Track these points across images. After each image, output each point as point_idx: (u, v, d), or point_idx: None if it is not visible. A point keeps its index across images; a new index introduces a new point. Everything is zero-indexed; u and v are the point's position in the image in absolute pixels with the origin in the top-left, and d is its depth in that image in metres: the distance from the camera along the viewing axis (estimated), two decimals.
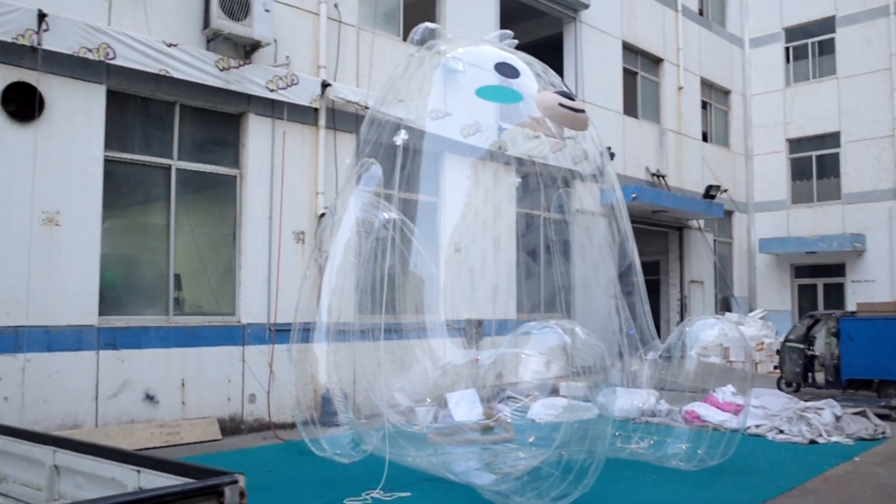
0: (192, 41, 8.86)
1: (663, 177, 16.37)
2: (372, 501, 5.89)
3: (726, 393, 10.01)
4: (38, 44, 7.54)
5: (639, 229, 16.56)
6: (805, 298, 19.03)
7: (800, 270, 19.28)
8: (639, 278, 8.25)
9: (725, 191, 17.90)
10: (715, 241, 18.66)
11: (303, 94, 9.76)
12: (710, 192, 16.60)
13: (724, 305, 18.74)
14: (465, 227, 12.43)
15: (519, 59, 7.36)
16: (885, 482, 6.67)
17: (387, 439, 6.20)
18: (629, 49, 16.12)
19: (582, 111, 7.00)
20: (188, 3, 8.83)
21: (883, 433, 8.91)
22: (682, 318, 17.12)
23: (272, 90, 9.43)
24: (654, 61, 17.02)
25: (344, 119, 10.32)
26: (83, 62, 7.92)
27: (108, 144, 8.29)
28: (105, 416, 8.01)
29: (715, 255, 18.28)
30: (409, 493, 6.11)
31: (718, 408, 9.65)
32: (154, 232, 8.81)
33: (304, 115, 9.89)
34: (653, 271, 18.01)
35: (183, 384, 8.61)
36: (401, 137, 6.84)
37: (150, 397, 8.37)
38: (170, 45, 8.48)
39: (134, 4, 8.41)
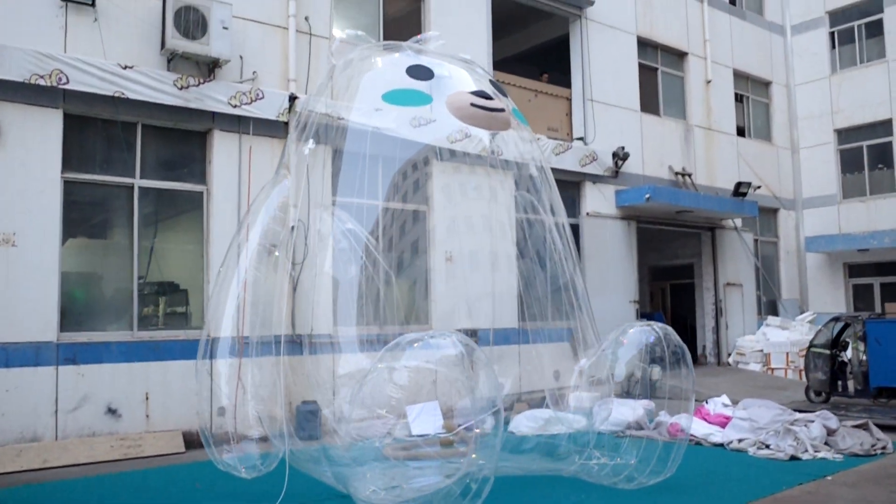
0: (152, 62, 9.06)
1: (688, 175, 15.60)
2: None
3: (717, 404, 9.37)
4: None
5: (665, 231, 15.89)
6: (862, 299, 17.69)
7: (854, 269, 17.94)
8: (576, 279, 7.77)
9: (758, 187, 16.88)
10: (757, 241, 17.61)
11: (269, 109, 9.81)
12: (740, 190, 15.68)
13: (771, 309, 17.66)
14: (456, 235, 12.21)
15: (445, 62, 7.12)
16: None
17: (287, 455, 6.09)
18: (646, 44, 15.47)
19: (500, 110, 6.68)
20: (145, 25, 9.05)
21: (883, 448, 8.11)
22: (717, 323, 16.26)
23: (235, 106, 9.53)
24: (678, 55, 16.27)
25: (328, 132, 10.30)
26: (37, 89, 8.22)
27: (68, 166, 8.57)
28: (65, 429, 8.24)
29: (756, 256, 17.26)
30: None
31: (706, 420, 9.04)
32: (117, 249, 9.03)
33: (272, 128, 9.94)
34: (686, 275, 17.20)
35: (147, 398, 8.76)
36: (308, 147, 6.75)
37: (112, 411, 8.56)
38: (125, 67, 8.71)
39: (90, 29, 8.68)
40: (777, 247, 18.35)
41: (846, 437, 8.22)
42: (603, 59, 14.42)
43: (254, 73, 9.87)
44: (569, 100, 14.22)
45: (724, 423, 8.81)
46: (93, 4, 8.61)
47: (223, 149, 9.60)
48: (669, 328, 6.77)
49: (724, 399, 9.59)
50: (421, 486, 5.97)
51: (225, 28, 9.24)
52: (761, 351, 15.72)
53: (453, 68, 7.03)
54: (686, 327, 17.41)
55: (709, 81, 16.59)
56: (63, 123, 8.51)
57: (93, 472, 7.70)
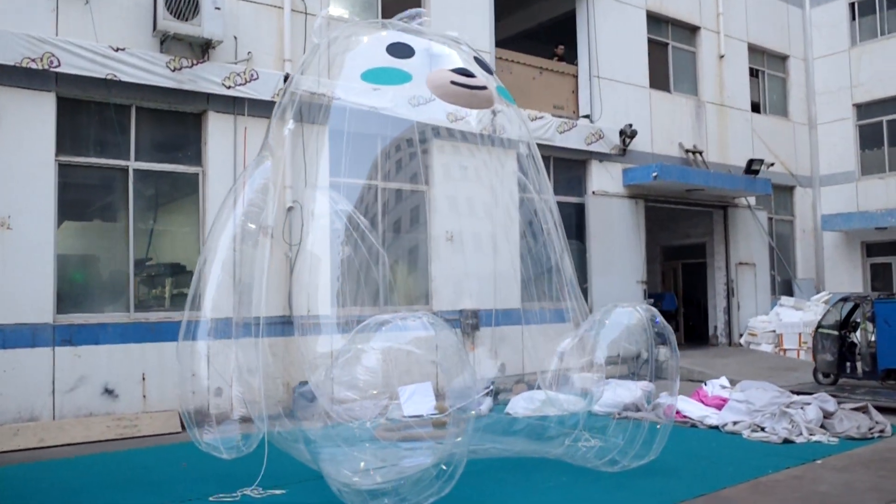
0: (144, 44, 9.06)
1: (699, 153, 15.32)
2: (241, 498, 5.84)
3: (715, 386, 9.26)
4: None
5: (676, 210, 15.65)
6: (880, 279, 17.32)
7: (872, 248, 17.55)
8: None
9: (772, 164, 16.52)
10: (771, 219, 17.29)
11: (263, 89, 9.78)
12: (752, 167, 15.36)
13: (785, 289, 17.37)
14: (457, 215, 12.13)
15: (428, 39, 7.01)
16: (823, 490, 5.92)
17: (265, 437, 6.13)
18: (656, 18, 15.14)
19: (482, 88, 6.56)
20: (137, 7, 9.03)
21: (881, 432, 7.95)
22: (728, 304, 16.03)
23: (229, 87, 9.51)
24: (689, 30, 15.91)
25: (312, 111, 10.26)
26: (29, 72, 8.26)
27: (62, 149, 8.63)
28: (63, 409, 8.37)
29: (770, 235, 16.95)
30: (284, 491, 6.01)
31: (703, 402, 8.93)
32: (113, 231, 9.10)
33: (268, 109, 9.84)
34: (698, 254, 16.96)
35: (143, 378, 8.86)
36: (288, 128, 6.72)
37: (108, 391, 8.68)
38: (117, 50, 8.71)
39: (81, 12, 8.68)
40: (793, 225, 18.00)
41: (843, 420, 8.07)
42: (611, 35, 14.14)
43: (248, 53, 9.83)
44: (575, 77, 14.00)
45: (720, 405, 8.70)
46: None
47: (218, 130, 9.60)
48: (654, 309, 6.64)
49: (723, 381, 9.47)
50: (399, 469, 5.99)
51: (217, 8, 9.20)
52: (773, 332, 15.49)
53: (436, 45, 6.92)
54: (699, 308, 17.22)
55: (722, 56, 16.22)
56: (56, 106, 8.56)
57: (88, 452, 7.83)
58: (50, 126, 8.47)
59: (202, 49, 9.40)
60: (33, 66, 8.21)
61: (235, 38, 9.75)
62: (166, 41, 9.16)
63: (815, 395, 8.38)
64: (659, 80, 15.09)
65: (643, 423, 7.17)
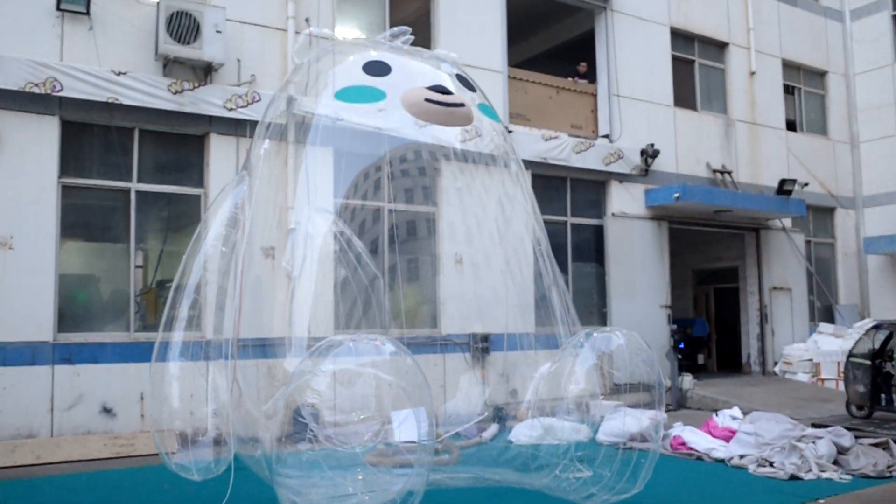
0: (148, 68, 9.22)
1: (728, 173, 14.82)
2: None
3: (725, 416, 8.81)
4: None
5: (708, 232, 15.16)
6: None
7: None
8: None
9: (806, 185, 15.86)
10: (810, 242, 16.58)
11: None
12: (784, 188, 14.76)
13: (826, 315, 16.58)
14: (466, 237, 11.95)
15: (408, 57, 6.93)
16: None
17: (233, 460, 6.05)
18: (681, 35, 14.79)
19: (458, 105, 6.42)
20: (140, 32, 9.21)
21: None
22: (761, 330, 15.37)
23: (231, 109, 9.60)
24: (717, 46, 15.49)
25: (306, 131, 10.28)
26: (33, 97, 8.48)
27: (65, 171, 8.82)
28: (61, 427, 8.46)
29: (808, 259, 16.24)
30: None
31: (711, 434, 8.50)
32: (115, 252, 9.23)
33: (270, 131, 9.94)
34: (730, 278, 16.35)
35: (142, 398, 8.90)
36: (263, 147, 6.72)
37: (107, 410, 8.74)
38: (119, 74, 8.89)
39: (85, 37, 8.90)
40: (834, 248, 17.23)
41: (860, 457, 7.55)
42: (632, 53, 13.86)
43: (252, 76, 9.92)
44: (594, 96, 13.75)
45: (729, 437, 8.26)
46: (87, 13, 8.82)
47: (221, 152, 9.68)
48: (635, 334, 6.31)
49: (735, 412, 9.00)
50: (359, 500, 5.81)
51: (218, 32, 9.32)
52: (811, 360, 14.77)
53: (415, 63, 6.83)
54: (734, 334, 16.55)
55: (753, 73, 15.73)
56: (60, 129, 8.76)
57: (84, 469, 7.89)
58: (53, 148, 8.67)
59: (205, 72, 9.52)
60: (36, 90, 8.43)
61: (239, 60, 9.85)
62: (169, 64, 9.32)
63: (829, 429, 7.87)
64: (684, 98, 14.70)
65: (634, 454, 6.82)
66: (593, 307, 13.22)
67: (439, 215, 11.54)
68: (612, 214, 13.32)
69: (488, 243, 10.93)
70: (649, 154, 13.56)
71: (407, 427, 8.87)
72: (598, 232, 13.33)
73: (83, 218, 9.16)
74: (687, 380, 13.13)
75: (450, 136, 11.26)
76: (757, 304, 15.37)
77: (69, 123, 8.87)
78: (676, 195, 13.01)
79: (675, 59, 14.60)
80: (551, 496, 6.37)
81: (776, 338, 15.26)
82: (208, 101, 9.44)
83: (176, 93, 9.23)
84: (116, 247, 9.24)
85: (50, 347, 8.45)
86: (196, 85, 9.38)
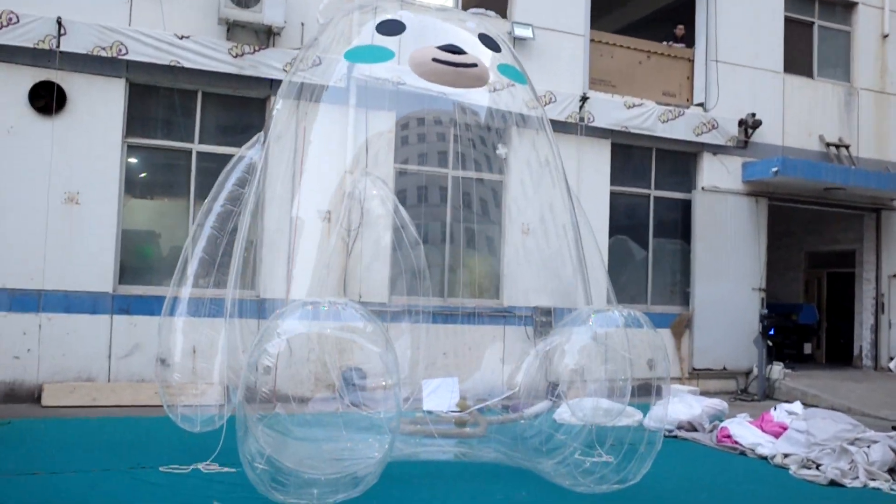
0: (211, 32, 9.46)
1: (845, 147, 13.35)
2: (191, 472, 5.92)
3: (781, 410, 8.01)
4: (57, 47, 8.69)
5: (820, 212, 13.82)
6: None
7: None
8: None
9: None
10: None
11: (326, 75, 9.84)
12: None
13: None
14: (536, 206, 11.54)
15: (431, 17, 6.66)
16: None
17: (226, 417, 6.16)
18: None
19: (470, 65, 6.07)
20: None
21: None
22: (876, 321, 13.88)
23: (304, 71, 9.67)
24: (843, 6, 13.88)
25: (377, 96, 10.19)
26: (102, 59, 8.93)
27: (131, 131, 9.26)
28: (118, 373, 9.00)
29: None
30: (235, 470, 5.97)
31: (761, 428, 7.77)
32: (175, 210, 9.62)
33: (331, 95, 9.95)
34: (846, 263, 14.83)
35: (194, 351, 9.28)
36: (276, 108, 6.69)
37: (161, 360, 9.18)
38: (182, 38, 9.18)
39: (153, 3, 9.24)
40: None
41: None
42: (737, 15, 12.70)
43: (315, 39, 9.93)
44: (691, 61, 12.76)
45: (779, 433, 7.50)
46: None
47: (281, 115, 9.80)
48: (640, 313, 5.75)
49: (795, 406, 8.15)
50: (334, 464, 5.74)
51: None
52: None
53: (431, 21, 6.53)
54: (848, 323, 15.06)
55: (886, 36, 14.00)
56: (127, 91, 9.19)
57: (134, 414, 8.38)
58: (119, 109, 9.11)
59: (266, 35, 9.65)
60: (103, 53, 8.86)
61: (302, 24, 9.90)
62: (232, 29, 9.51)
63: (891, 433, 6.95)
64: (798, 64, 13.34)
65: (643, 440, 6.30)
66: (675, 286, 12.41)
67: (506, 184, 11.16)
68: (702, 188, 12.37)
69: (557, 214, 10.50)
70: (749, 124, 12.45)
71: (437, 396, 8.74)
72: (685, 207, 12.45)
73: (146, 176, 9.61)
74: (776, 369, 12.11)
75: (518, 102, 10.87)
76: (873, 293, 13.87)
77: (135, 85, 9.29)
78: (775, 169, 11.89)
79: (788, 21, 13.25)
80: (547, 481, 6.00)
81: (893, 330, 13.73)
82: (269, 64, 9.56)
83: (237, 56, 9.42)
84: (177, 205, 9.64)
85: (110, 298, 8.98)
86: (257, 48, 9.53)
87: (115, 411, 8.51)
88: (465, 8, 11.87)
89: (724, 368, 12.33)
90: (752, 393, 12.05)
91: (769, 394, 11.88)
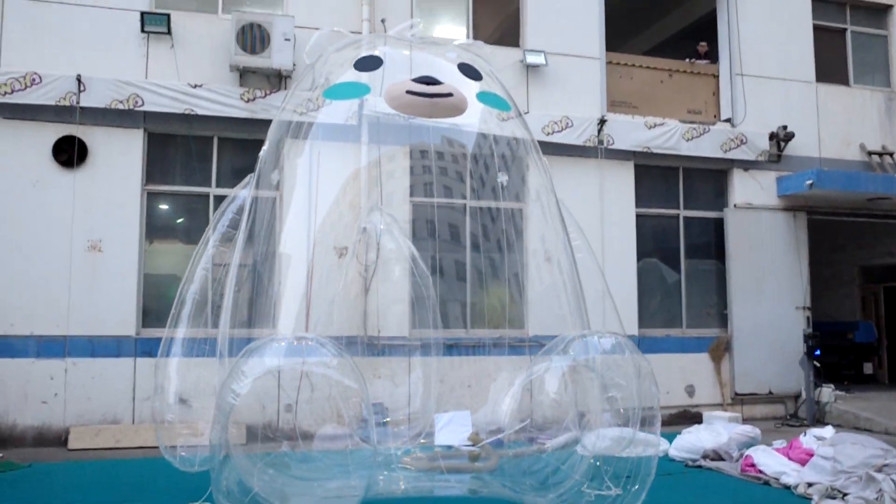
0: (224, 79, 9.77)
1: (890, 154, 12.72)
2: None
3: (811, 436, 7.57)
4: (77, 102, 9.12)
5: (871, 224, 13.20)
6: None
7: None
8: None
9: None
10: None
11: (336, 114, 10.00)
12: None
13: None
14: (557, 232, 11.38)
15: (407, 49, 6.70)
16: None
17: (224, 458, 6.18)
18: (826, 1, 12.95)
19: (447, 95, 6.07)
20: (217, 46, 9.78)
21: None
22: None
23: (301, 114, 9.86)
24: (876, 10, 13.35)
25: (389, 132, 10.29)
26: (120, 112, 9.32)
27: (150, 179, 9.60)
28: (141, 414, 9.21)
29: None
30: None
31: (787, 456, 7.35)
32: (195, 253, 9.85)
33: (341, 133, 10.11)
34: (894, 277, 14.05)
35: (214, 390, 9.43)
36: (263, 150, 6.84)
37: (183, 401, 9.36)
38: (195, 86, 9.50)
39: (167, 55, 9.61)
40: None
41: None
42: (761, 27, 12.36)
43: (325, 79, 10.13)
44: (716, 77, 12.45)
45: (805, 460, 7.07)
46: (168, 32, 9.52)
47: (293, 155, 9.99)
48: (626, 338, 5.56)
49: (825, 431, 7.68)
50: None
51: (287, 40, 9.64)
52: None
53: (409, 55, 6.57)
54: None
55: None
56: (145, 141, 9.56)
57: (155, 455, 8.53)
58: (138, 159, 9.47)
59: (277, 79, 9.90)
60: (120, 106, 9.24)
61: (313, 66, 10.10)
62: (245, 74, 9.79)
63: None
64: (831, 72, 12.85)
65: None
66: (711, 308, 11.96)
67: (527, 212, 11.06)
68: (735, 206, 11.97)
69: (579, 241, 10.34)
70: (781, 137, 12.02)
71: (449, 430, 8.61)
72: (718, 225, 12.05)
73: (166, 222, 9.92)
74: (826, 392, 11.47)
75: (535, 128, 10.81)
76: None
77: (153, 135, 9.64)
78: (809, 182, 11.40)
79: (818, 29, 12.81)
80: None
81: None
82: (279, 107, 9.78)
83: (248, 101, 9.69)
84: (196, 248, 9.86)
85: (133, 341, 9.23)
86: (268, 92, 9.78)
87: (137, 453, 8.68)
88: (478, 38, 11.96)
89: (770, 392, 11.77)
90: (801, 417, 11.44)
91: (819, 418, 11.25)
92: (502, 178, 8.42)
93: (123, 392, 9.16)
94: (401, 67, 6.42)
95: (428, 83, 6.05)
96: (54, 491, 6.70)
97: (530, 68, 11.12)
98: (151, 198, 9.66)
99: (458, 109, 6.27)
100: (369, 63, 6.43)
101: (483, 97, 6.55)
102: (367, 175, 10.13)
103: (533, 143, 6.92)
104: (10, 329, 8.87)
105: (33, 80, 8.98)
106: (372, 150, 10.14)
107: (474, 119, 7.09)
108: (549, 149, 10.98)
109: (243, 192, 7.06)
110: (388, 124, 9.07)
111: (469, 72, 6.63)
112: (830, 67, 12.88)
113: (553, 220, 6.85)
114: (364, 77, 6.42)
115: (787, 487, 6.84)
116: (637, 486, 5.57)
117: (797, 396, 11.83)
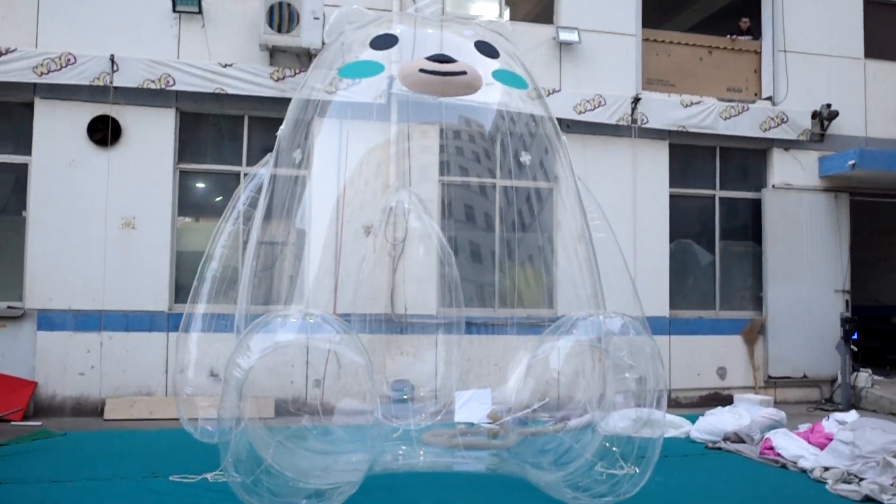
0: (254, 58, 9.86)
1: None
2: (199, 481, 6.12)
3: (832, 421, 7.38)
4: (111, 82, 9.32)
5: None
6: None
7: None
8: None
9: None
10: None
11: (366, 93, 10.01)
12: None
13: None
14: (590, 213, 11.26)
15: (430, 28, 6.66)
16: None
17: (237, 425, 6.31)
18: None
19: (460, 73, 6.01)
20: (247, 25, 9.85)
21: None
22: None
23: (331, 93, 9.90)
24: None
25: (419, 110, 10.26)
26: (152, 91, 9.50)
27: (182, 157, 9.78)
28: (173, 387, 9.45)
29: None
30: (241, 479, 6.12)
31: (807, 440, 7.18)
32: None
33: (372, 112, 10.12)
34: None
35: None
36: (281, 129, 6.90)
37: (214, 375, 9.58)
38: (225, 66, 9.61)
39: (198, 35, 9.74)
40: None
41: None
42: (807, 1, 11.92)
43: (343, 58, 10.14)
44: (758, 54, 12.06)
45: (824, 444, 6.91)
46: (200, 12, 9.64)
47: (323, 134, 10.05)
48: (633, 318, 5.49)
49: (848, 416, 7.47)
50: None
51: (316, 18, 9.65)
52: None
53: (425, 33, 6.53)
54: None
55: None
56: (177, 120, 9.72)
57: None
58: (170, 137, 9.65)
59: (308, 58, 9.94)
60: (152, 86, 9.41)
61: (342, 44, 10.12)
62: (275, 53, 9.87)
63: None
64: (881, 48, 12.32)
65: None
66: (746, 291, 11.69)
67: (559, 190, 10.95)
68: (773, 186, 11.64)
69: (598, 220, 10.21)
70: (824, 116, 11.61)
71: (468, 408, 8.64)
72: (755, 206, 11.73)
73: (198, 200, 10.10)
74: (863, 376, 11.15)
75: (567, 108, 10.65)
76: None
77: (185, 114, 9.80)
78: (852, 162, 11.01)
79: (868, 3, 12.30)
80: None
81: None
82: (308, 85, 9.83)
83: (278, 80, 9.76)
84: (217, 226, 10.05)
85: (166, 317, 9.47)
86: (297, 71, 9.84)
87: (170, 423, 8.93)
88: (514, 16, 11.82)
89: (805, 376, 11.48)
90: (836, 402, 11.16)
91: (854, 403, 10.95)
92: (525, 157, 8.34)
93: (156, 366, 9.42)
94: (416, 45, 6.39)
95: (441, 61, 6.01)
96: (84, 458, 6.95)
97: (563, 46, 10.94)
98: (183, 176, 9.85)
99: (472, 87, 6.21)
100: (385, 41, 6.42)
101: (499, 75, 6.49)
102: (395, 154, 10.15)
103: (551, 121, 6.82)
104: (49, 303, 9.18)
105: (68, 60, 9.20)
106: (398, 128, 10.16)
107: (496, 97, 7.04)
108: (581, 127, 10.85)
109: (262, 171, 7.11)
110: (415, 103, 9.04)
111: (486, 49, 6.56)
112: (880, 43, 12.36)
113: (571, 199, 6.74)
114: (381, 56, 6.40)
115: (804, 471, 6.70)
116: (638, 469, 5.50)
117: (833, 381, 11.53)
